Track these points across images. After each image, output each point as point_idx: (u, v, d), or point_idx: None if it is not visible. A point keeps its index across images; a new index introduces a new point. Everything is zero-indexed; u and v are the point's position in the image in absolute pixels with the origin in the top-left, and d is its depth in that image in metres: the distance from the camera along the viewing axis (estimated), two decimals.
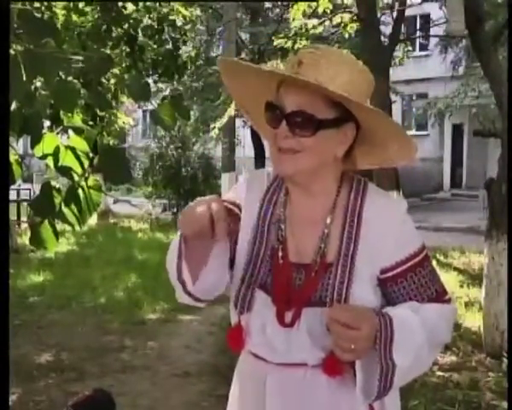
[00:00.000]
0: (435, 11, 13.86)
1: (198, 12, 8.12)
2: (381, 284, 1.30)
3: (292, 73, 1.22)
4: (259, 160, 16.28)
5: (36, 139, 1.88)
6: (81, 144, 1.95)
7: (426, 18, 17.43)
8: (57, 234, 1.96)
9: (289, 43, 7.88)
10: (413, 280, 1.30)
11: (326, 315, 1.19)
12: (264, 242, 1.34)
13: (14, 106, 1.87)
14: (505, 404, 3.36)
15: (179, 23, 5.95)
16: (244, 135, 18.04)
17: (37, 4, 3.35)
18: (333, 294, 1.26)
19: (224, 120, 10.74)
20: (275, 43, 8.29)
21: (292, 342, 1.27)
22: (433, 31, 17.16)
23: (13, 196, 11.38)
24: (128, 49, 4.93)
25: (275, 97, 1.27)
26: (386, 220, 1.29)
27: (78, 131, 1.98)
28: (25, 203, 11.10)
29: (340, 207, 1.31)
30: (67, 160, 1.93)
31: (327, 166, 1.29)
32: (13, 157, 1.90)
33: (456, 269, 7.76)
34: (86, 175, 1.95)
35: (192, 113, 15.57)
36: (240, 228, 1.37)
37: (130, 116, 11.34)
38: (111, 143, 8.45)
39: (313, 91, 1.21)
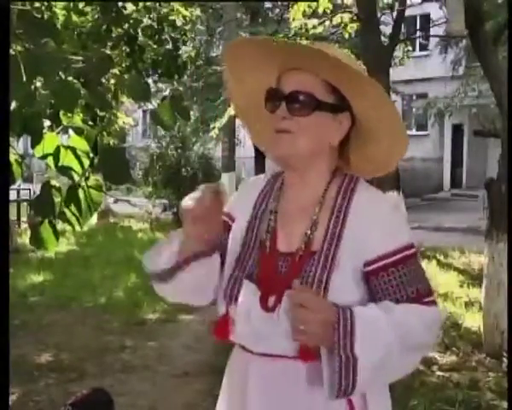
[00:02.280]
0: (435, 11, 13.85)
1: (198, 12, 8.10)
2: (365, 278, 1.30)
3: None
4: (259, 160, 16.26)
5: (36, 139, 1.88)
6: (81, 144, 1.95)
7: (426, 18, 17.41)
8: (57, 234, 1.96)
9: None
10: (394, 276, 1.28)
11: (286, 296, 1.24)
12: (254, 235, 1.38)
13: (14, 106, 1.87)
14: (505, 404, 3.36)
15: (179, 23, 5.94)
16: (244, 135, 18.00)
17: (37, 4, 3.34)
18: (313, 281, 1.27)
19: (224, 120, 10.72)
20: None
21: (273, 327, 1.28)
22: (433, 31, 17.13)
23: (13, 196, 11.38)
24: (128, 49, 4.92)
25: (275, 85, 1.33)
26: (372, 213, 1.31)
27: (78, 131, 1.98)
28: (25, 203, 11.10)
29: (330, 197, 1.34)
30: (68, 160, 1.94)
31: (321, 155, 1.33)
32: (13, 157, 1.90)
33: (456, 269, 7.76)
34: (86, 175, 1.95)
35: (192, 113, 15.55)
36: (231, 235, 1.42)
37: (130, 116, 11.32)
38: (111, 143, 8.44)
39: (313, 75, 1.28)
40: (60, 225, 2.07)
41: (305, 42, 7.65)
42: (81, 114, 2.43)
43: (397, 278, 1.29)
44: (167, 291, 1.41)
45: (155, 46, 5.52)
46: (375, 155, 1.37)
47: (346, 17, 7.54)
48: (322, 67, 1.26)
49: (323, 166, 1.35)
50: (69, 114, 2.03)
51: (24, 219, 11.09)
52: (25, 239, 8.88)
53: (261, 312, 1.30)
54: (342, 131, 1.32)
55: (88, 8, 4.48)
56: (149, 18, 5.43)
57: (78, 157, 1.93)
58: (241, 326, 1.33)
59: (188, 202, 1.24)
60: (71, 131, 2.02)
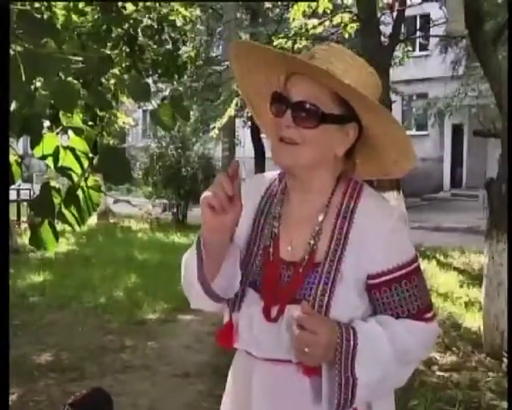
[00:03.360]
0: (435, 11, 13.85)
1: (198, 12, 8.11)
2: (367, 290, 1.29)
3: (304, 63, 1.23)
4: (259, 160, 16.27)
5: (36, 140, 1.88)
6: (81, 145, 1.96)
7: (426, 18, 17.40)
8: (57, 235, 1.96)
9: (289, 44, 7.87)
10: (396, 292, 1.27)
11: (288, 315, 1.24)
12: (257, 240, 1.36)
13: (13, 106, 1.87)
14: (505, 404, 3.36)
15: (179, 23, 5.94)
16: (244, 135, 18.04)
17: (37, 4, 3.34)
18: (316, 293, 1.26)
19: (224, 120, 10.73)
20: (275, 44, 8.27)
21: (276, 337, 1.28)
22: (433, 31, 17.16)
23: (13, 196, 11.39)
24: (128, 50, 4.92)
25: (282, 89, 1.28)
26: (375, 226, 1.28)
27: (77, 131, 1.98)
28: (25, 203, 11.10)
29: (334, 206, 1.31)
30: (67, 160, 1.94)
31: (326, 165, 1.30)
32: (13, 158, 1.90)
33: (456, 269, 7.76)
34: (86, 175, 1.95)
35: (192, 113, 15.54)
36: (235, 237, 1.38)
37: (130, 116, 11.32)
38: (111, 143, 8.44)
39: (321, 85, 1.23)
40: (60, 226, 2.08)
41: (305, 42, 7.68)
42: (81, 115, 2.43)
43: (399, 294, 1.28)
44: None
45: (155, 46, 5.52)
46: (382, 162, 1.35)
47: (346, 17, 7.55)
48: (331, 81, 1.22)
49: (327, 175, 1.32)
50: (69, 115, 2.03)
51: (24, 219, 11.09)
52: (25, 239, 8.87)
53: (264, 322, 1.29)
54: (348, 142, 1.28)
55: (88, 8, 4.48)
56: (149, 18, 5.43)
57: (77, 158, 1.93)
58: (244, 334, 1.33)
59: (206, 194, 1.20)
60: (70, 132, 2.02)
